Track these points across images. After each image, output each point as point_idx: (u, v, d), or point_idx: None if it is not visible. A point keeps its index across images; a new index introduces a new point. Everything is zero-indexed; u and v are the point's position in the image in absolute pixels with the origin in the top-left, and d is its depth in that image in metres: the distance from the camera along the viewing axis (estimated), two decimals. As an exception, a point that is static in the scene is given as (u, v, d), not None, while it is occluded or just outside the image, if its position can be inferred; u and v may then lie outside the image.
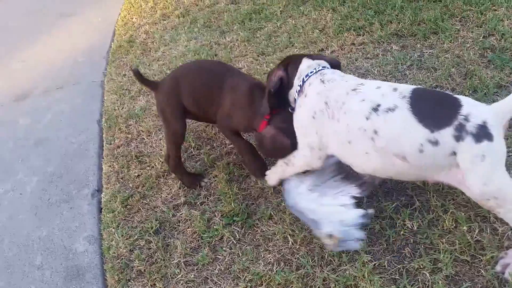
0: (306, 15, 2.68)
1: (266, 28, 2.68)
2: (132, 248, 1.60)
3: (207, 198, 1.71)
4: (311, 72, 1.42)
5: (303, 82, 1.42)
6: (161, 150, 2.00)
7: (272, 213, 1.57)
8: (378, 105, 1.22)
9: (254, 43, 2.56)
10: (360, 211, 1.38)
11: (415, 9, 2.44)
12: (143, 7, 3.32)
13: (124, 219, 1.72)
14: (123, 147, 2.08)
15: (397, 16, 2.42)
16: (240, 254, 1.48)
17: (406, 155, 1.20)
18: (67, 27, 3.45)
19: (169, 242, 1.59)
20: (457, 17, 2.31)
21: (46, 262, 1.68)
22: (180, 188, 1.77)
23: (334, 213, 1.38)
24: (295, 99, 1.46)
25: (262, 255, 1.46)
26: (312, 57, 1.49)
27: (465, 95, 1.44)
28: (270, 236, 1.51)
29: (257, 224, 1.56)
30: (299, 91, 1.43)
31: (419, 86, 1.29)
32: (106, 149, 2.11)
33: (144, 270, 1.51)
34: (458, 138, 1.13)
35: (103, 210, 1.80)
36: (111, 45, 2.98)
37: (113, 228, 1.69)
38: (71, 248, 1.70)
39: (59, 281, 1.59)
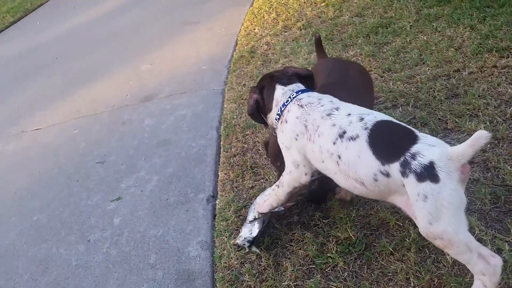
0: (439, 32, 2.49)
1: (394, 43, 2.53)
2: (243, 261, 1.58)
3: (321, 221, 1.64)
4: (287, 101, 1.50)
5: (281, 110, 1.51)
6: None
7: (395, 249, 1.44)
8: (344, 132, 1.31)
9: (379, 58, 2.43)
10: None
11: None
12: (265, 18, 3.37)
13: (237, 229, 1.72)
14: (239, 156, 2.10)
15: (551, 37, 2.13)
16: None
17: (364, 181, 1.26)
18: (192, 34, 3.63)
19: (280, 261, 1.54)
20: None
21: (159, 262, 1.73)
22: (294, 205, 1.72)
23: None
24: (275, 123, 1.55)
25: (380, 293, 1.35)
26: (283, 82, 1.55)
27: None
28: (390, 274, 1.39)
29: (376, 257, 1.45)
30: (278, 118, 1.52)
31: (386, 118, 1.29)
32: (223, 156, 2.15)
33: (254, 287, 1.49)
34: (403, 174, 1.16)
35: (217, 217, 1.82)
36: (233, 54, 3.06)
37: (226, 237, 1.69)
38: (184, 251, 1.74)
39: (170, 284, 1.63)
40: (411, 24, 2.67)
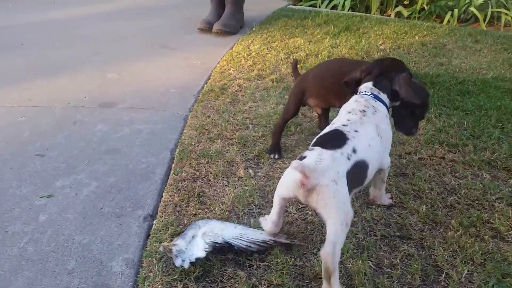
0: (398, 116, 2.66)
1: (355, 116, 2.66)
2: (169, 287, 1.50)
3: (257, 263, 1.61)
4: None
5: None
6: (223, 197, 1.95)
7: (323, 303, 1.44)
8: None
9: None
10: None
11: (513, 144, 2.35)
12: (242, 63, 3.46)
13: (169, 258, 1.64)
14: (188, 181, 2.06)
15: (493, 146, 2.33)
16: (278, 335, 1.34)
17: None
18: (167, 59, 3.64)
19: (207, 294, 1.48)
20: (560, 166, 2.18)
21: (78, 270, 1.61)
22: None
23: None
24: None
25: None
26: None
27: None
28: (315, 327, 1.37)
29: (305, 308, 1.43)
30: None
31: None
32: (171, 178, 2.09)
33: (174, 315, 1.41)
34: None
35: (150, 237, 1.74)
36: (204, 86, 3.08)
37: (156, 259, 1.61)
38: (107, 265, 1.63)
39: (85, 294, 1.52)
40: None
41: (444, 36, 4.18)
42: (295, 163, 1.30)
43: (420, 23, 4.58)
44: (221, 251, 1.62)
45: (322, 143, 1.46)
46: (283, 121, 2.27)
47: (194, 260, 1.55)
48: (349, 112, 1.61)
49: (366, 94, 1.67)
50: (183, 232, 1.69)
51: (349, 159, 1.42)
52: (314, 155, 1.38)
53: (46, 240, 1.74)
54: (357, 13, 4.97)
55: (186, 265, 1.53)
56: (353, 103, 1.65)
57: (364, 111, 1.60)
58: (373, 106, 1.63)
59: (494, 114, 2.65)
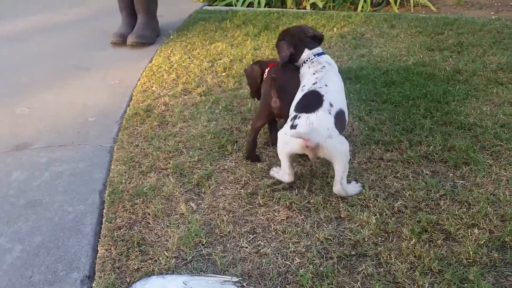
0: (332, 118, 2.63)
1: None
2: None
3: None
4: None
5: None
6: (167, 241, 1.80)
7: None
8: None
9: (278, 137, 2.47)
10: None
11: (444, 133, 2.41)
12: (164, 78, 3.27)
13: (115, 323, 1.47)
14: (124, 229, 1.88)
15: (427, 138, 2.38)
16: None
17: None
18: (81, 81, 3.35)
19: None
20: (488, 150, 2.27)
21: None
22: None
23: None
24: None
25: None
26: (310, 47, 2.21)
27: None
28: None
29: None
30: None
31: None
32: (104, 228, 1.90)
33: None
34: None
35: (92, 306, 1.55)
36: (126, 110, 2.86)
37: (101, 332, 1.44)
38: None
39: None
40: (307, 106, 2.78)
41: (361, 24, 4.25)
42: (294, 133, 1.75)
43: (336, 13, 4.62)
44: None
45: (305, 108, 1.85)
46: (261, 126, 2.27)
47: None
48: (313, 74, 2.03)
49: (313, 58, 2.14)
50: None
51: (330, 113, 1.83)
52: (304, 121, 1.78)
53: (-34, 332, 1.50)
54: (274, 9, 4.91)
55: None
56: (311, 68, 2.10)
57: (323, 67, 2.07)
58: (326, 61, 2.12)
59: (422, 103, 2.71)
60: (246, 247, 1.75)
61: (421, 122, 2.52)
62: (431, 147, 2.29)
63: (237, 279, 1.56)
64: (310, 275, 1.59)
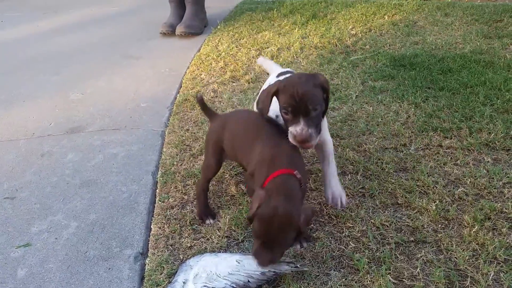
0: (384, 105, 2.55)
1: (341, 110, 2.54)
2: (175, 338, 1.34)
3: (268, 293, 1.47)
4: None
5: None
6: (218, 221, 1.80)
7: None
8: None
9: (328, 123, 2.41)
10: None
11: (506, 121, 2.27)
12: (213, 66, 3.28)
13: (169, 298, 1.48)
14: (177, 208, 1.89)
15: (487, 125, 2.25)
16: None
17: None
18: (132, 69, 3.42)
19: None
20: (557, 139, 2.12)
21: (70, 329, 1.43)
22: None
23: None
24: None
25: None
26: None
27: None
28: None
29: None
30: None
31: None
32: (158, 207, 1.92)
33: None
34: None
35: (145, 281, 1.56)
36: (176, 96, 2.89)
37: (155, 306, 1.45)
38: (102, 319, 1.46)
39: None
40: (357, 94, 2.72)
41: (413, 12, 4.10)
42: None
43: (387, 1, 4.49)
44: None
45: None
46: (205, 181, 1.83)
47: None
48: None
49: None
50: (175, 274, 1.52)
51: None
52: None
53: (28, 300, 1.55)
54: (322, -2, 4.83)
55: None
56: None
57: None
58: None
59: (481, 91, 2.57)
60: (299, 230, 1.71)
61: (480, 109, 2.39)
62: (492, 134, 2.16)
63: (290, 260, 1.52)
64: (366, 259, 1.54)
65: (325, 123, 1.68)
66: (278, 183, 1.43)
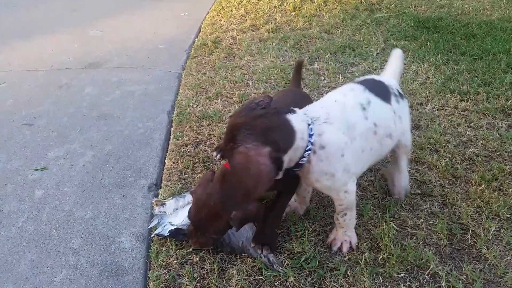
0: (405, 64, 2.52)
1: (360, 66, 2.52)
2: (184, 262, 1.41)
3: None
4: (309, 125, 1.21)
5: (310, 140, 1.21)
6: (230, 161, 1.84)
7: (347, 271, 1.37)
8: (361, 104, 1.31)
9: (346, 77, 2.41)
10: None
11: (526, 90, 2.25)
12: (233, 13, 3.23)
13: (180, 226, 1.54)
14: (191, 146, 1.93)
15: (506, 92, 2.23)
16: (305, 306, 1.28)
17: (391, 132, 1.37)
18: (151, 11, 3.39)
19: (226, 267, 1.40)
20: None
21: (84, 248, 1.51)
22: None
23: None
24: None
25: (330, 316, 1.26)
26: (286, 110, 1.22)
27: None
28: (343, 296, 1.31)
29: (329, 277, 1.36)
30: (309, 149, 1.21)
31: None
32: (172, 143, 1.96)
33: (193, 292, 1.33)
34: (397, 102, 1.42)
35: (158, 209, 1.63)
36: (195, 41, 2.88)
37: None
38: (115, 240, 1.53)
39: (94, 274, 1.41)
40: (378, 51, 2.69)
41: (442, -25, 3.96)
42: None
43: (416, -38, 4.32)
44: None
45: None
46: None
47: (167, 234, 1.47)
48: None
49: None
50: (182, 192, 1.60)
51: None
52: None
53: (46, 217, 1.62)
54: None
55: (165, 233, 1.48)
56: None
57: None
58: None
59: (504, 59, 2.53)
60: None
61: (501, 76, 2.37)
62: (510, 101, 2.15)
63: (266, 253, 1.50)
64: (371, 206, 1.58)
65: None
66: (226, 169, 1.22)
